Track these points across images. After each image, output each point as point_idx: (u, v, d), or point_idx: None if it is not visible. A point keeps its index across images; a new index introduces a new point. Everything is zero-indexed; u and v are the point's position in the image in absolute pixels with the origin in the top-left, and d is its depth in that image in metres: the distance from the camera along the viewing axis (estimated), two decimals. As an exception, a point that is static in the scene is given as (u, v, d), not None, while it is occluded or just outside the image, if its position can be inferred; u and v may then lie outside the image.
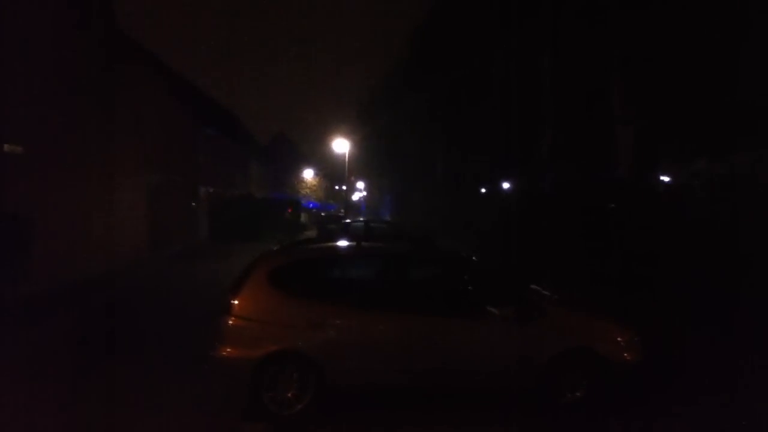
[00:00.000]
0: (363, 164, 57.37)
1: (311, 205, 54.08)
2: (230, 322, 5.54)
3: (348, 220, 22.18)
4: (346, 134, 31.36)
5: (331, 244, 7.09)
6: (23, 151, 11.39)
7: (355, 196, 67.57)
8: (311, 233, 31.84)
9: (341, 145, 29.86)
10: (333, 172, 64.30)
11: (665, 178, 15.68)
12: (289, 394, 5.47)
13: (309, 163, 62.63)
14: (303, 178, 61.02)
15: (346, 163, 30.73)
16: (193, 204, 26.35)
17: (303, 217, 46.79)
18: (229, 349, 5.49)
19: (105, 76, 15.45)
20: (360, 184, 70.36)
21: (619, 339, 5.79)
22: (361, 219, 23.84)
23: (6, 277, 9.84)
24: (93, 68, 14.73)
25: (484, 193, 28.95)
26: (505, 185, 26.20)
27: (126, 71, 17.18)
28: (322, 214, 39.65)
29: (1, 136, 10.81)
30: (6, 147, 10.94)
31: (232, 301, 5.60)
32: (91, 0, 14.80)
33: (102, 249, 15.02)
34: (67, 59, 13.39)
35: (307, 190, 60.57)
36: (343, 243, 6.79)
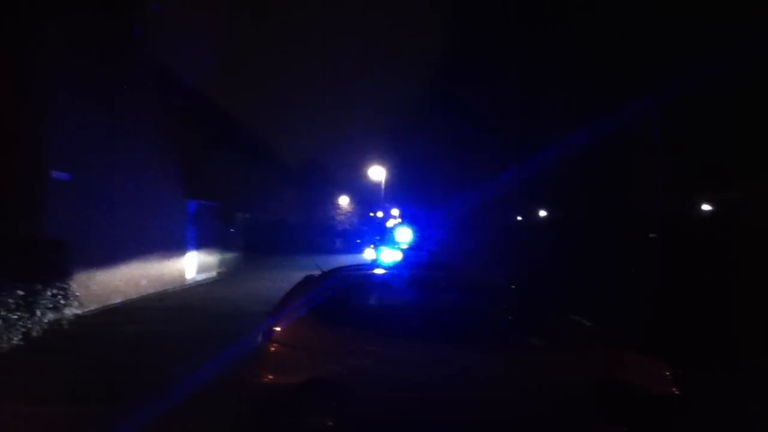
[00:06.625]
0: (398, 190, 57.25)
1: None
2: (271, 348, 5.57)
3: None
4: (381, 161, 31.55)
5: (372, 270, 7.07)
6: (71, 179, 11.74)
7: (390, 223, 67.50)
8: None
9: (377, 173, 30.04)
10: (368, 198, 64.50)
11: (707, 207, 15.35)
12: (329, 422, 5.44)
13: (343, 189, 62.98)
14: (338, 204, 61.42)
15: (383, 191, 30.84)
16: (232, 230, 26.72)
17: (338, 243, 46.87)
18: (270, 376, 5.50)
19: (151, 107, 15.89)
20: (395, 211, 70.26)
21: (663, 373, 5.61)
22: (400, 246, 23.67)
23: (45, 302, 9.85)
24: (139, 99, 15.17)
25: (521, 220, 28.69)
26: (542, 213, 25.98)
27: (172, 103, 17.62)
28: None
29: (49, 163, 11.19)
30: (54, 173, 11.31)
31: (273, 327, 5.63)
32: (140, 35, 15.31)
33: (148, 275, 15.38)
34: (116, 91, 13.83)
35: (342, 217, 60.86)
36: (384, 269, 6.76)
